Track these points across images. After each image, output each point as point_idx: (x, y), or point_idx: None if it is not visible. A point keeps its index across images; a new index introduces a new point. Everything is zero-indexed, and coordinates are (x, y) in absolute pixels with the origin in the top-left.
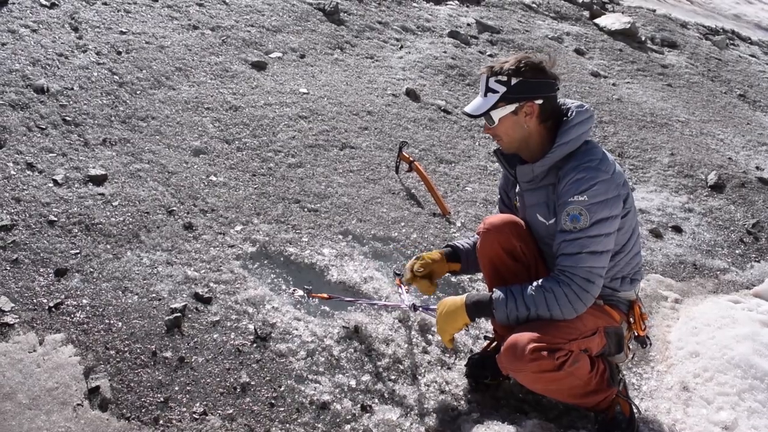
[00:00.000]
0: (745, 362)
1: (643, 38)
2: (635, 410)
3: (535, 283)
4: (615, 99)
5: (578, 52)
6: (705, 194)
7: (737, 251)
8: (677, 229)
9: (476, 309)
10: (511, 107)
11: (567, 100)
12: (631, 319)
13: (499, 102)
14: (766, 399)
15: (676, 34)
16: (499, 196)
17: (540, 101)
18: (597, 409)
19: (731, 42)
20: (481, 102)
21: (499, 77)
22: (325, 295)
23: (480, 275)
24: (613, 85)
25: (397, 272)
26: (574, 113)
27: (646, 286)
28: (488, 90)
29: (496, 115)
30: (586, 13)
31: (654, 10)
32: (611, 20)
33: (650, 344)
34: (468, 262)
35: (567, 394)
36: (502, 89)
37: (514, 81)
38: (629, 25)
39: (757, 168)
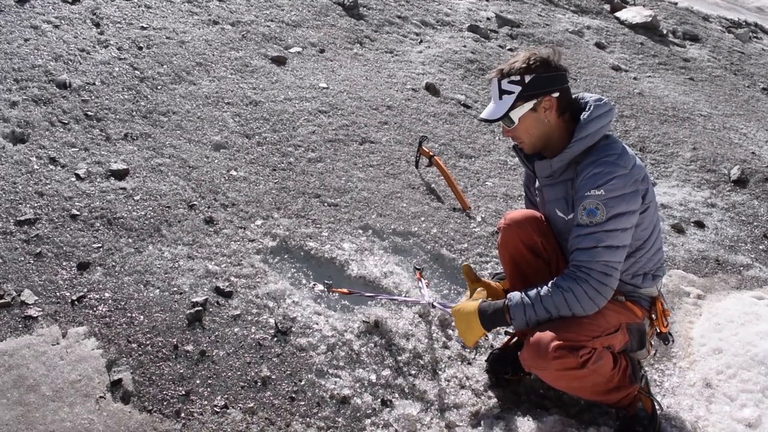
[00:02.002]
0: None
1: (665, 31)
2: (657, 407)
3: (550, 284)
4: (636, 93)
5: (599, 45)
6: (728, 189)
7: (761, 247)
8: (700, 225)
9: (491, 320)
10: (530, 104)
11: (586, 94)
12: (653, 315)
13: (516, 101)
14: None
15: (698, 27)
16: (524, 192)
17: (556, 94)
18: (619, 405)
19: (754, 35)
20: (497, 106)
21: (512, 77)
22: (346, 290)
23: (501, 269)
24: (635, 79)
25: (417, 267)
26: (592, 107)
27: (669, 281)
28: (502, 92)
29: (516, 114)
30: (607, 7)
31: (676, 3)
32: (632, 13)
33: (672, 341)
34: None
35: (589, 391)
36: (517, 89)
37: (528, 78)
38: (650, 18)
39: None
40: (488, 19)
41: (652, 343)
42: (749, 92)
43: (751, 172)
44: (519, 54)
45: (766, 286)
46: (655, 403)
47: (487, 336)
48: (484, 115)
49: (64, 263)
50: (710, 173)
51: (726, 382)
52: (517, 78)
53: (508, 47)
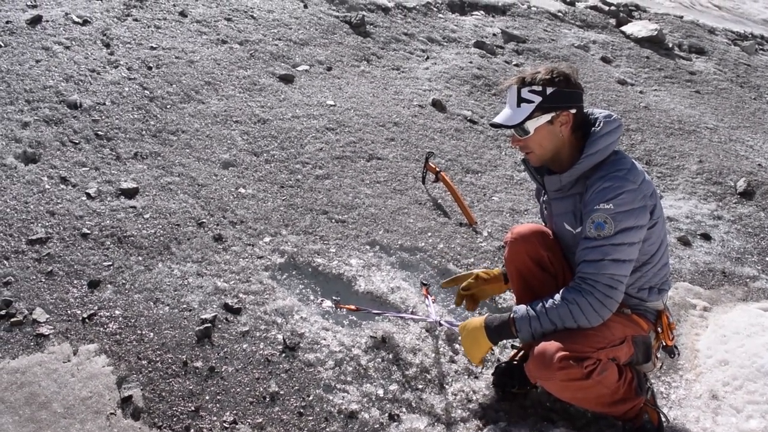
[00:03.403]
0: None
1: (671, 45)
2: (663, 419)
3: (556, 297)
4: (642, 107)
5: (605, 60)
6: (734, 201)
7: (767, 258)
8: (706, 237)
9: (498, 334)
10: (547, 116)
11: (595, 110)
12: (659, 328)
13: (535, 111)
14: None
15: (704, 41)
16: (538, 205)
17: (574, 110)
18: (625, 418)
19: (760, 47)
20: (514, 113)
21: (533, 87)
22: (353, 307)
23: None
24: (641, 92)
25: (424, 282)
26: (602, 123)
27: (675, 294)
28: (521, 100)
29: (532, 125)
30: (613, 21)
31: (681, 17)
32: (638, 27)
33: (678, 354)
34: None
35: (595, 403)
36: (538, 99)
37: (549, 90)
38: (656, 32)
39: None
40: (494, 35)
41: (658, 356)
42: (755, 104)
43: (758, 184)
44: (541, 66)
45: None
46: (662, 416)
47: (493, 351)
48: (499, 119)
49: (75, 281)
50: (716, 186)
51: (732, 394)
52: (539, 89)
53: (514, 63)
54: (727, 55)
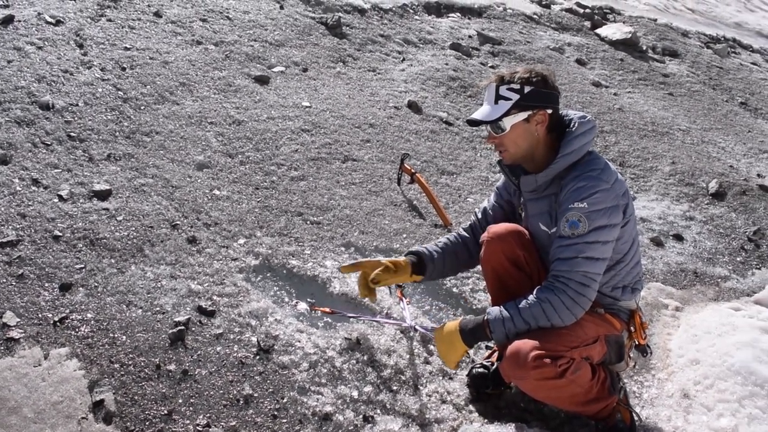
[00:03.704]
0: (746, 369)
1: (645, 48)
2: (636, 418)
3: (529, 297)
4: (616, 109)
5: (579, 62)
6: (706, 202)
7: (738, 259)
8: (678, 238)
9: (472, 336)
10: (524, 115)
11: (569, 111)
12: (631, 328)
13: (512, 109)
14: (767, 405)
15: (677, 43)
16: (494, 193)
17: (550, 111)
18: (598, 417)
19: (733, 50)
20: (491, 109)
21: (512, 85)
22: (328, 310)
23: (482, 285)
24: (615, 94)
25: (399, 284)
26: (576, 124)
27: (647, 294)
28: (499, 97)
29: (509, 122)
30: (588, 24)
31: (655, 20)
32: (612, 30)
33: (651, 353)
34: (434, 272)
35: (568, 402)
36: (515, 96)
37: (527, 89)
38: (630, 34)
39: (759, 176)
40: (470, 36)
41: (631, 355)
42: (727, 107)
43: (729, 185)
44: (519, 66)
45: (743, 297)
46: (634, 415)
47: (468, 353)
48: (476, 115)
49: (47, 284)
50: (689, 187)
51: (703, 393)
52: (517, 86)
53: (489, 64)
54: (699, 58)
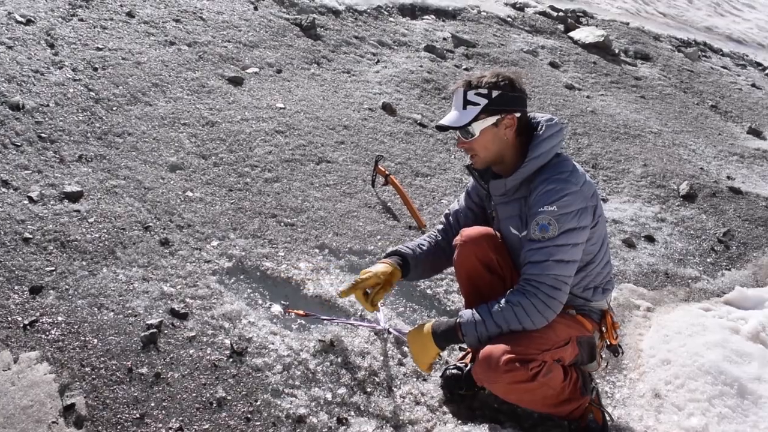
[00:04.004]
0: (716, 369)
1: (617, 51)
2: (608, 418)
3: (501, 300)
4: (589, 111)
5: (553, 65)
6: (677, 204)
7: (708, 260)
8: (650, 239)
9: (444, 339)
10: (492, 119)
11: (537, 114)
12: (603, 328)
13: (480, 114)
14: (736, 404)
15: (649, 47)
16: (464, 195)
17: (518, 114)
18: (570, 417)
19: (703, 54)
20: (460, 115)
21: (479, 90)
22: (302, 312)
23: (456, 287)
24: (587, 97)
25: None
26: (544, 127)
27: (619, 295)
28: (467, 103)
29: (478, 127)
30: (561, 27)
31: (627, 23)
32: (585, 33)
33: (622, 353)
34: (414, 273)
35: (541, 404)
36: (483, 101)
37: (494, 94)
38: (603, 38)
39: (728, 177)
40: (444, 39)
41: (603, 356)
42: (698, 109)
43: (700, 187)
44: (486, 71)
45: (713, 297)
46: (606, 415)
47: (440, 356)
48: (445, 121)
49: (16, 287)
50: (660, 189)
51: (674, 392)
52: (485, 91)
53: (464, 67)
54: (671, 61)
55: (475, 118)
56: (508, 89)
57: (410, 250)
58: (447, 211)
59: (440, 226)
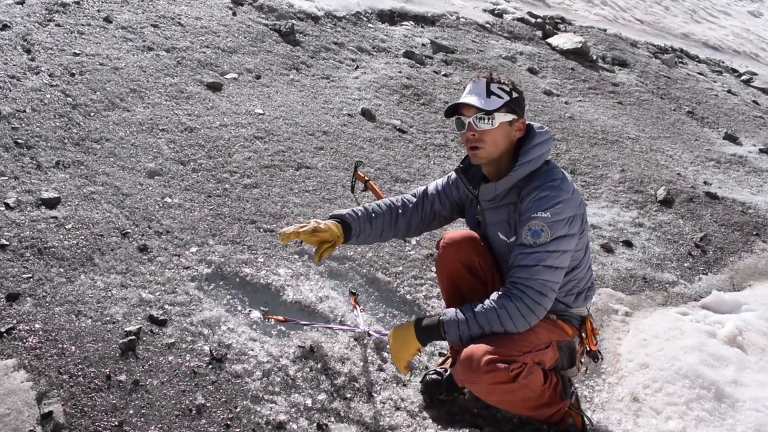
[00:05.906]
0: (693, 372)
1: (595, 57)
2: (587, 422)
3: (486, 301)
4: (567, 117)
5: (531, 71)
6: (654, 209)
7: (686, 264)
8: (628, 244)
9: (427, 334)
10: (510, 117)
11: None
12: (583, 333)
13: (503, 106)
14: (713, 408)
15: (626, 53)
16: (443, 186)
17: (526, 121)
18: (550, 421)
19: (680, 60)
20: (486, 101)
21: (502, 85)
22: (281, 318)
23: (436, 292)
24: (566, 103)
25: (353, 291)
26: (535, 134)
27: (598, 299)
28: (491, 93)
29: (499, 118)
30: (539, 33)
31: (605, 30)
32: (563, 40)
33: (601, 358)
34: (359, 237)
35: (521, 406)
36: (506, 97)
37: (514, 95)
38: (581, 44)
39: (705, 183)
40: (423, 45)
41: (582, 360)
42: (675, 115)
43: (677, 192)
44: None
45: (690, 302)
46: (585, 419)
47: (420, 353)
48: (470, 100)
49: None
50: (638, 194)
51: (652, 396)
52: (507, 89)
53: (443, 72)
54: (648, 68)
55: (499, 109)
56: (521, 96)
57: (356, 218)
58: (424, 188)
59: (409, 197)
